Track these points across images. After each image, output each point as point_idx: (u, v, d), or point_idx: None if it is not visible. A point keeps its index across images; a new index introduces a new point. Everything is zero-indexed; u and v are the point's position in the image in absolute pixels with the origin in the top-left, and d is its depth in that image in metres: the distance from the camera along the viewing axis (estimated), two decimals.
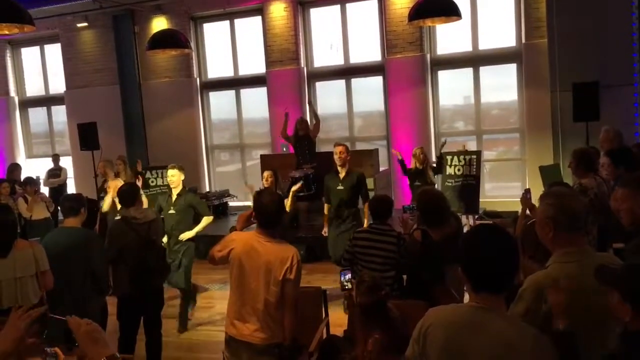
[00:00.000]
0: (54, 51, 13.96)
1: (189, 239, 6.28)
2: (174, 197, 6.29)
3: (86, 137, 10.64)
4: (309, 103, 10.19)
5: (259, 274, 3.52)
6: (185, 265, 6.29)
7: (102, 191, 8.34)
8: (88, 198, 8.40)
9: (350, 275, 3.81)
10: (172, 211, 6.25)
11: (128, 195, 5.16)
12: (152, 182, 9.72)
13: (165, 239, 6.17)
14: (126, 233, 4.96)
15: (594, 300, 2.30)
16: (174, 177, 6.26)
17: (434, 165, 8.69)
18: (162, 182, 9.29)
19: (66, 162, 12.71)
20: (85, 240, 4.61)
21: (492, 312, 2.06)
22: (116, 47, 12.78)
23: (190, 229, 6.28)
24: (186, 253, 6.30)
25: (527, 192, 4.88)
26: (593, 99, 7.98)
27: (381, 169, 10.47)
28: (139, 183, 7.59)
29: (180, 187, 6.30)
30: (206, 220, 6.36)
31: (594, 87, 8.04)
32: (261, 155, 10.88)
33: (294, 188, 7.01)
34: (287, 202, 7.23)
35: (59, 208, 6.85)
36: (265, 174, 7.35)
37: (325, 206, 7.06)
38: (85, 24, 13.05)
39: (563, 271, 2.37)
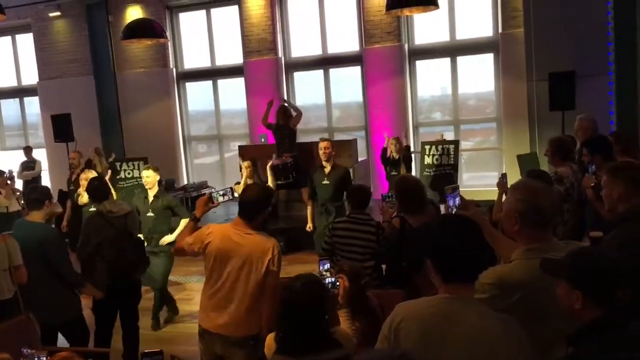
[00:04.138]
0: (25, 41, 13.66)
1: (169, 243, 6.16)
2: (150, 198, 6.13)
3: (60, 128, 10.47)
4: (285, 101, 10.06)
5: (239, 266, 3.50)
6: (163, 269, 6.22)
7: (71, 184, 8.19)
8: (61, 191, 8.31)
9: (328, 265, 3.79)
10: (150, 214, 6.11)
11: (100, 189, 5.04)
12: (129, 174, 9.58)
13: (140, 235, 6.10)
14: (104, 227, 4.85)
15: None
16: (149, 178, 6.11)
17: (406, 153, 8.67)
18: (139, 174, 9.16)
19: (40, 155, 12.51)
20: (41, 237, 4.45)
21: (465, 302, 2.07)
22: (90, 36, 12.55)
23: (169, 231, 6.16)
24: (166, 256, 6.23)
25: (504, 176, 4.92)
26: (569, 88, 8.07)
27: (360, 159, 10.46)
28: (108, 176, 7.45)
29: (156, 189, 6.15)
30: (184, 222, 6.11)
31: (569, 77, 8.12)
32: (239, 146, 10.79)
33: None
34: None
35: None
36: (244, 163, 7.31)
37: (309, 202, 7.03)
38: (58, 13, 12.81)
39: (526, 268, 2.35)
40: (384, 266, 4.58)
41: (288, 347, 2.60)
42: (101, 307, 4.92)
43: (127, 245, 4.92)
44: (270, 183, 7.90)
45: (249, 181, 7.67)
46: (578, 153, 5.57)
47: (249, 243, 3.52)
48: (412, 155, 9.06)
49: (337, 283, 3.30)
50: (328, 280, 3.31)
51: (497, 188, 4.95)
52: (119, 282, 4.87)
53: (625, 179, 2.91)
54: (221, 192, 3.78)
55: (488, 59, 10.76)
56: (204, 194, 11.64)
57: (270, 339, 2.80)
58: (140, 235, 6.00)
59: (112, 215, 4.90)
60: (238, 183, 7.62)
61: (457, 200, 2.83)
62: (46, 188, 4.97)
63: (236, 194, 3.90)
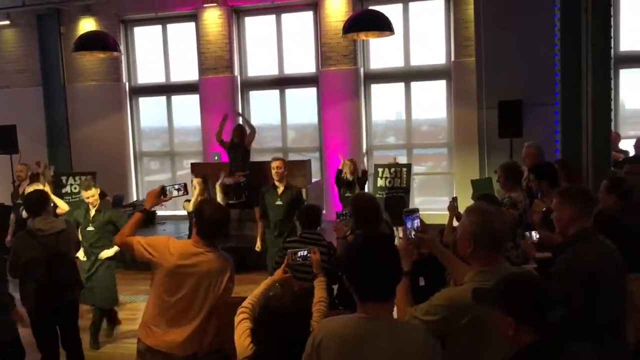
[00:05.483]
0: None
1: (108, 258, 6.00)
2: (92, 212, 5.99)
3: (4, 140, 10.14)
4: (239, 114, 10.14)
5: (197, 283, 3.45)
6: (106, 286, 6.08)
7: (18, 197, 7.91)
8: (3, 205, 7.98)
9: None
10: (90, 228, 5.95)
11: (36, 203, 4.80)
12: (75, 188, 9.31)
13: (81, 253, 5.91)
14: (31, 246, 4.63)
15: None
16: (94, 197, 5.98)
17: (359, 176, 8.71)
18: None
19: None
20: None
21: (381, 322, 2.09)
22: (40, 47, 12.24)
23: (110, 245, 5.98)
24: (107, 273, 6.06)
25: (454, 200, 5.00)
26: (517, 116, 8.35)
27: (313, 180, 10.48)
28: (49, 189, 7.19)
29: (98, 202, 6.03)
30: None
31: (518, 106, 8.40)
32: (192, 163, 10.65)
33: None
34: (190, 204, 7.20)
35: None
36: (194, 181, 7.21)
37: (260, 221, 6.94)
38: (7, 22, 12.47)
39: None
40: (335, 286, 4.56)
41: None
42: (38, 329, 4.73)
43: (57, 265, 4.69)
44: (219, 201, 7.80)
45: (200, 199, 7.54)
46: (526, 179, 5.71)
47: (210, 260, 3.48)
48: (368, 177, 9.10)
49: (309, 255, 3.42)
50: (300, 253, 3.40)
51: (447, 211, 5.02)
52: (50, 302, 4.67)
53: (576, 201, 3.00)
54: (176, 187, 3.67)
55: (441, 85, 11.00)
56: (154, 211, 11.53)
57: (244, 341, 2.74)
58: (80, 254, 5.82)
59: (42, 233, 4.68)
60: (188, 201, 7.48)
61: (417, 222, 2.85)
62: None
63: (185, 212, 3.81)
